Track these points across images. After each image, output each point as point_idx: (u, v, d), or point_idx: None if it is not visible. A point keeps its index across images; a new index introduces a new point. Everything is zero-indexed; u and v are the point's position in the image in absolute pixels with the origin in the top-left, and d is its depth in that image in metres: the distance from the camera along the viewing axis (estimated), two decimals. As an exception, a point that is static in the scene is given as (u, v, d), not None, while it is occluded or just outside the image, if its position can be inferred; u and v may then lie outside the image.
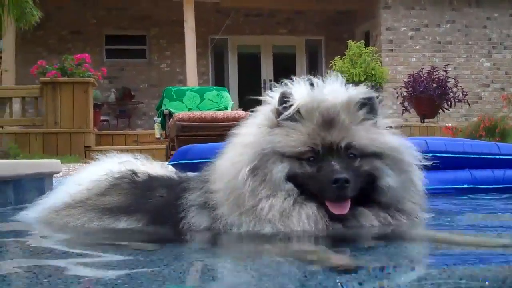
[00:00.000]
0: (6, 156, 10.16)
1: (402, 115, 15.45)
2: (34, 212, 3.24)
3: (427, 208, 2.88)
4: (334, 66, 14.52)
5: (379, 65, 14.31)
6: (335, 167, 2.51)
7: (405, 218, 2.69)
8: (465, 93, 14.69)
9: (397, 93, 15.16)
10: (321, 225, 2.54)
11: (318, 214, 2.55)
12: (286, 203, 2.55)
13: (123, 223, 2.87)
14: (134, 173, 3.10)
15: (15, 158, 9.99)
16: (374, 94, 2.76)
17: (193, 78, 16.07)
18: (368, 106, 2.71)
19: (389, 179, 2.63)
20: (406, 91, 14.82)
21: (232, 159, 2.68)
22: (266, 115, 2.74)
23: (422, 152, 5.07)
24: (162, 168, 3.35)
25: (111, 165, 3.23)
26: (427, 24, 18.35)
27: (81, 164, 9.42)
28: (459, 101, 14.68)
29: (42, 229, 3.09)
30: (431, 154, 5.08)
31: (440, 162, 5.14)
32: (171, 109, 12.08)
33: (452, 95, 14.57)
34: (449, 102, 14.58)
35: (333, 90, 2.73)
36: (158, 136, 13.10)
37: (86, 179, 3.18)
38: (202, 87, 14.83)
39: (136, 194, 2.97)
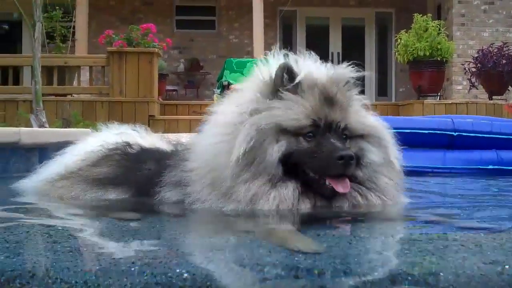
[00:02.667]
0: (67, 123, 10.52)
1: (469, 91, 15.02)
2: (31, 182, 3.38)
3: (404, 188, 2.87)
4: (399, 40, 14.22)
5: (445, 40, 13.89)
6: (338, 144, 2.54)
7: (376, 198, 2.68)
8: (536, 70, 14.07)
9: (465, 68, 14.70)
10: (288, 205, 2.54)
11: (291, 195, 2.55)
12: (262, 188, 2.53)
13: (111, 194, 2.99)
14: (128, 145, 3.20)
15: (76, 126, 10.35)
16: (355, 73, 2.78)
17: (259, 50, 16.07)
18: (353, 85, 2.78)
19: (372, 156, 2.69)
20: (474, 67, 14.35)
21: (211, 139, 2.69)
22: (253, 92, 2.73)
23: (448, 131, 5.03)
24: (160, 140, 3.43)
25: (108, 136, 3.34)
26: (502, -4, 17.65)
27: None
28: (529, 78, 14.09)
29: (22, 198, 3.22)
30: (456, 133, 5.05)
31: (467, 142, 5.09)
32: (230, 81, 12.20)
33: (522, 72, 13.99)
34: (518, 80, 14.02)
35: (323, 67, 2.77)
36: (217, 107, 13.19)
37: (83, 149, 3.30)
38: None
39: (125, 166, 3.07)
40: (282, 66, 2.65)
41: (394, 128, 4.84)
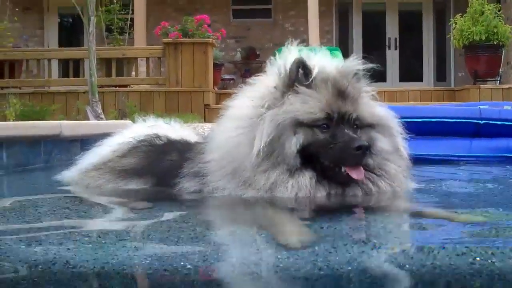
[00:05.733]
0: (123, 114, 10.88)
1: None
2: (70, 172, 3.59)
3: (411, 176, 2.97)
4: (454, 24, 14.00)
5: (502, 23, 13.59)
6: (353, 135, 2.69)
7: (386, 185, 2.81)
8: None
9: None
10: (306, 193, 2.69)
11: (308, 183, 2.69)
12: (281, 177, 2.69)
13: (132, 185, 3.16)
14: (156, 136, 3.36)
15: (130, 116, 10.68)
16: (362, 65, 2.89)
17: (314, 37, 16.09)
18: (362, 77, 2.91)
19: (382, 144, 2.83)
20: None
21: (230, 132, 2.84)
22: (268, 86, 2.88)
23: (474, 119, 5.03)
24: (192, 133, 3.58)
25: (141, 128, 3.52)
26: None
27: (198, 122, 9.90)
28: None
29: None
30: (483, 122, 5.04)
31: (494, 130, 5.08)
32: (282, 69, 12.27)
33: None
34: None
35: (336, 62, 2.89)
36: (269, 95, 13.31)
37: (116, 141, 3.48)
38: (314, 47, 14.80)
39: (150, 157, 3.22)
40: (297, 61, 2.78)
41: (421, 118, 4.93)
